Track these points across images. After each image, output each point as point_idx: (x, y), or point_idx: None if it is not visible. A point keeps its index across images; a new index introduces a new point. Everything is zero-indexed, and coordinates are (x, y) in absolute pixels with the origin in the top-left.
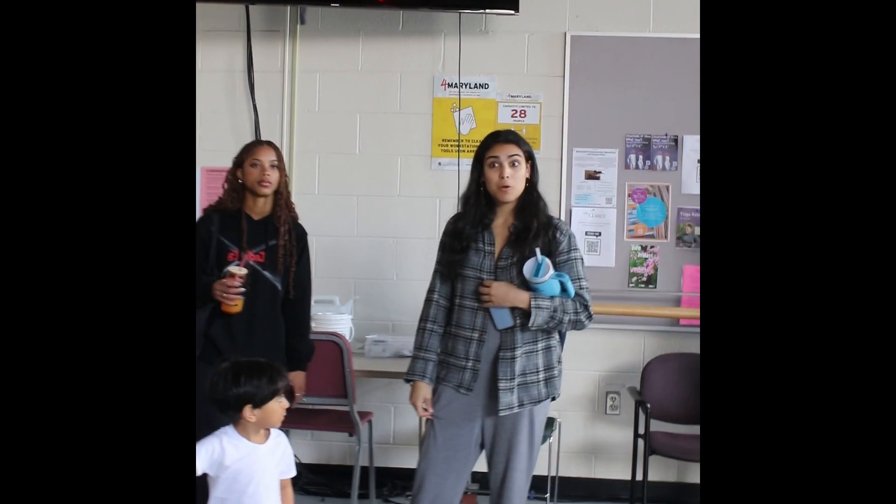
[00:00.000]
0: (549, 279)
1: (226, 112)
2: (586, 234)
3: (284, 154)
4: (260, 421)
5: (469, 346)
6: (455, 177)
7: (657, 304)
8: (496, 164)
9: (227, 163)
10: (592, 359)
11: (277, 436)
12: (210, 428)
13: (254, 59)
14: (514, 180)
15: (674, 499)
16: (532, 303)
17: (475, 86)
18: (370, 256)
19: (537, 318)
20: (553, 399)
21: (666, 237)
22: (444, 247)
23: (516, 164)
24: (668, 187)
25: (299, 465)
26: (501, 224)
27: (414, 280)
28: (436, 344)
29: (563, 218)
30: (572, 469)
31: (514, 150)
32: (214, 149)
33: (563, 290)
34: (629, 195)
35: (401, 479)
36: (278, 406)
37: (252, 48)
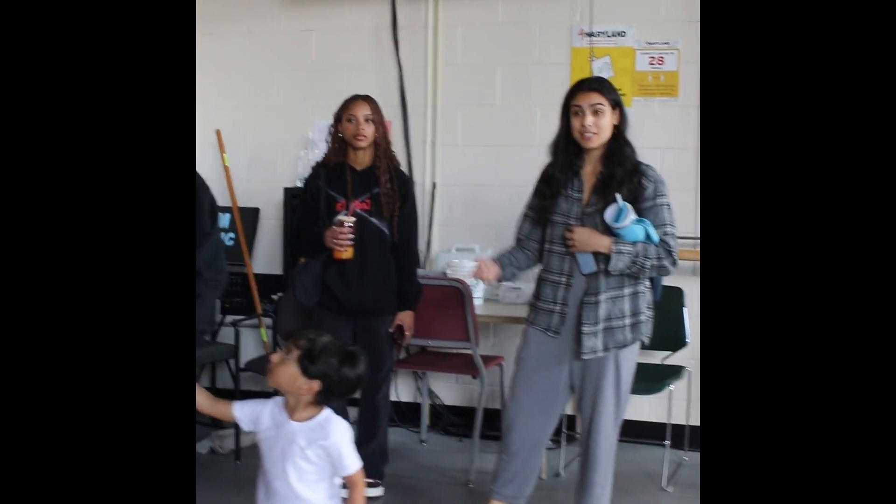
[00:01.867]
0: (629, 224)
1: (372, 69)
2: None
3: (428, 107)
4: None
5: (557, 291)
6: None
7: None
8: (579, 113)
9: None
10: None
11: (325, 420)
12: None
13: (398, 17)
14: (597, 128)
15: None
16: (613, 248)
17: (612, 34)
18: (510, 206)
19: (618, 263)
20: (643, 345)
21: None
22: (535, 192)
23: (599, 112)
24: None
25: (441, 407)
26: (590, 171)
27: None
28: (508, 258)
29: (698, 166)
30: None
31: (597, 98)
32: None
33: (648, 236)
34: None
35: None
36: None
37: (396, 6)
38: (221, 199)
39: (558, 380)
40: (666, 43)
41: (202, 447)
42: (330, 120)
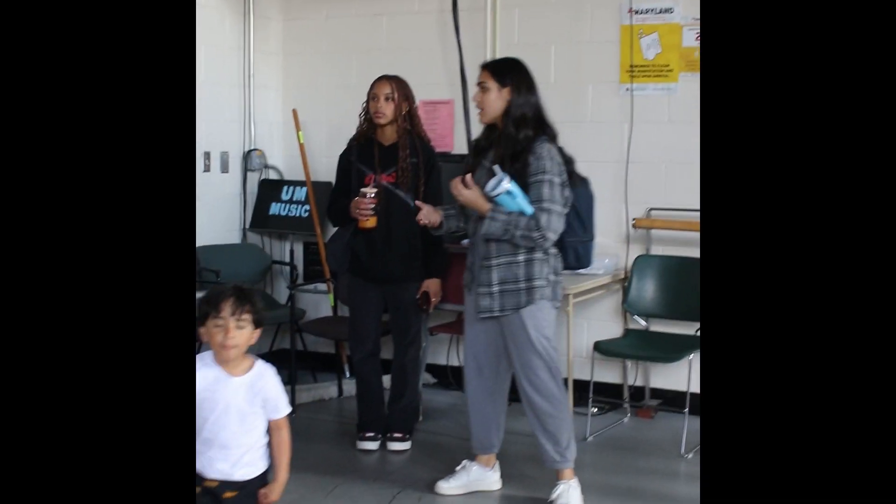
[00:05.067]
0: (501, 194)
1: (439, 49)
2: None
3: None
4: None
5: (469, 253)
6: (642, 102)
7: None
8: (477, 90)
9: (441, 96)
10: None
11: (261, 372)
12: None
13: (459, 0)
14: (483, 104)
15: None
16: (488, 213)
17: (660, 11)
18: None
19: (489, 227)
20: (556, 308)
21: None
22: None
23: (484, 89)
24: None
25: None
26: (499, 145)
27: (606, 201)
28: (455, 212)
29: None
30: None
31: (483, 76)
32: (430, 83)
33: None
34: None
35: None
36: (215, 330)
37: None
38: (297, 175)
39: (490, 333)
40: None
41: None
42: None
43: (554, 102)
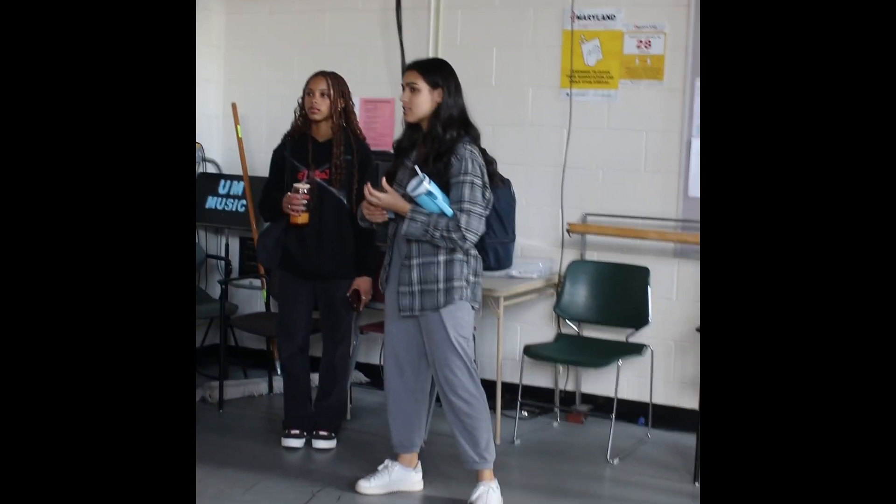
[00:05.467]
0: (421, 195)
1: (381, 48)
2: None
3: None
4: None
5: (387, 253)
6: (581, 107)
7: None
8: (402, 89)
9: (382, 94)
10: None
11: None
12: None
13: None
14: (411, 104)
15: None
16: (409, 214)
17: (602, 17)
18: None
19: (409, 227)
20: (474, 308)
21: None
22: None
23: (414, 90)
24: None
25: None
26: (421, 147)
27: (542, 205)
28: None
29: (682, 150)
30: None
31: (412, 77)
32: (371, 81)
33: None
34: None
35: None
36: None
37: None
38: (235, 169)
39: (409, 332)
40: (653, 27)
41: (195, 395)
42: None
43: (494, 105)
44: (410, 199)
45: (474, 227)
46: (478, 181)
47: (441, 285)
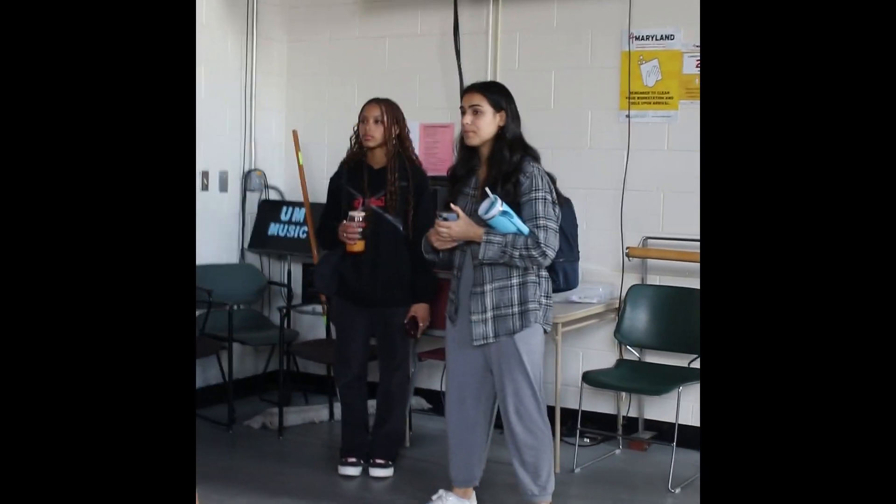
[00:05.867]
0: (495, 216)
1: (439, 72)
2: None
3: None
4: None
5: (453, 282)
6: (641, 129)
7: None
8: (462, 112)
9: (441, 119)
10: None
11: None
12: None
13: (461, 23)
14: (475, 127)
15: None
16: (484, 237)
17: (661, 37)
18: None
19: (487, 251)
20: (546, 331)
21: None
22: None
23: (478, 112)
24: None
25: None
26: (484, 170)
27: (602, 228)
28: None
29: None
30: None
31: (476, 98)
32: (430, 107)
33: (519, 229)
34: None
35: None
36: None
37: (459, 13)
38: (297, 196)
39: (474, 363)
40: None
41: (255, 422)
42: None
43: (553, 127)
44: (482, 223)
45: (552, 242)
46: (549, 197)
47: (516, 309)
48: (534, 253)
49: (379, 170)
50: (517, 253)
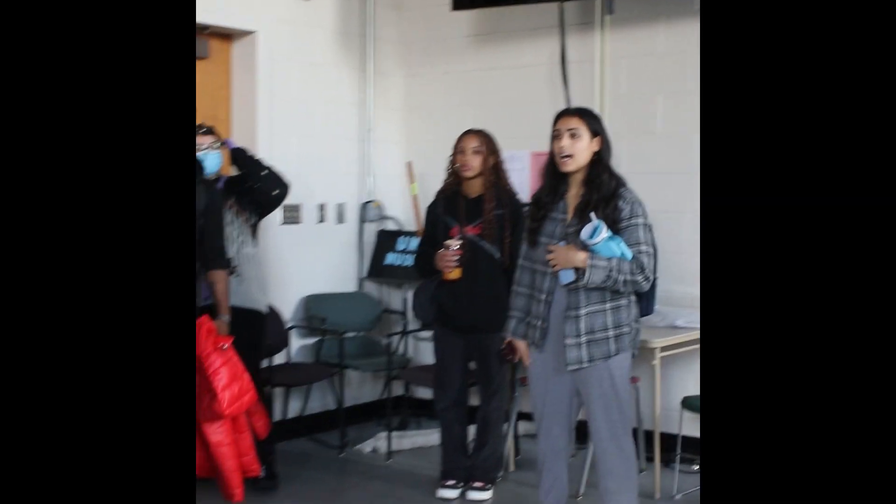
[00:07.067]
0: (602, 241)
1: (547, 101)
2: None
3: None
4: None
5: (539, 307)
6: None
7: None
8: (558, 136)
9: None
10: None
11: None
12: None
13: (567, 51)
14: (573, 151)
15: None
16: (588, 262)
17: None
18: (668, 230)
19: (593, 276)
20: (634, 355)
21: None
22: (528, 215)
23: (575, 136)
24: None
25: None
26: (574, 195)
27: (693, 254)
28: (520, 304)
29: None
30: None
31: (574, 123)
32: (539, 135)
33: (622, 253)
34: None
35: None
36: None
37: (566, 42)
38: (413, 226)
39: (561, 389)
40: None
41: (366, 446)
42: (511, 150)
43: (660, 152)
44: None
45: (654, 269)
46: (648, 223)
47: (611, 333)
48: (638, 278)
49: (475, 199)
50: (622, 278)
